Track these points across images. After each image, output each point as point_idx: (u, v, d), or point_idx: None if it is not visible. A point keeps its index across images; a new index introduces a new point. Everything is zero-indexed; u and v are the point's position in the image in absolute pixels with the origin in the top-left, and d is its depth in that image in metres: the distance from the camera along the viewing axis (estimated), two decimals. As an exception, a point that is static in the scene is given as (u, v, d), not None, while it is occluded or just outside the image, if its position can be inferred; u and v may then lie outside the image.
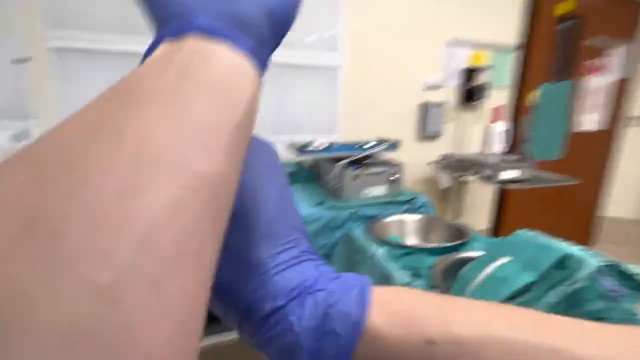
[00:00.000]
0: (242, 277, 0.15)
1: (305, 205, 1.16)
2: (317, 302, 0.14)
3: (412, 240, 1.09)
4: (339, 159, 1.22)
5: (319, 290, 0.15)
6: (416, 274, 0.82)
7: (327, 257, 1.13)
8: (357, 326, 0.14)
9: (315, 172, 1.49)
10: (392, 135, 1.40)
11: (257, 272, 0.15)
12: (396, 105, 1.80)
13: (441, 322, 0.14)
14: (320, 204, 1.16)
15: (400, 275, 0.82)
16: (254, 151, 0.17)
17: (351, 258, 1.07)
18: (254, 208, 0.16)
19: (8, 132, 1.32)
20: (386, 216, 1.16)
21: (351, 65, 1.68)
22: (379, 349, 0.14)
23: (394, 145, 1.34)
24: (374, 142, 1.32)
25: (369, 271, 0.94)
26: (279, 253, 0.16)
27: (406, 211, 1.21)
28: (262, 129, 1.62)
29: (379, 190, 1.24)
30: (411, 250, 0.93)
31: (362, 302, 0.14)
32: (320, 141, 1.37)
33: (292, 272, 0.15)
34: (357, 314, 0.14)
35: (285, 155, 1.53)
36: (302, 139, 1.50)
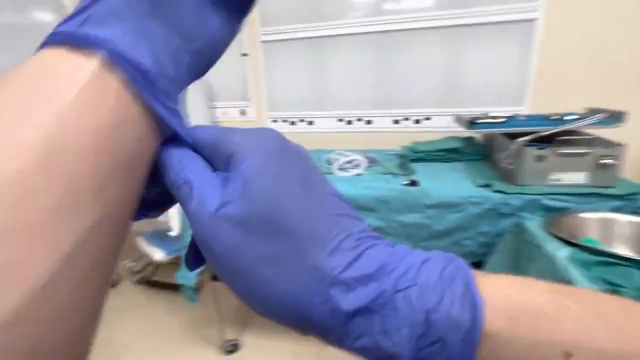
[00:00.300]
0: (306, 289, 0.13)
1: (468, 185, 1.04)
2: (412, 305, 0.12)
3: (619, 248, 0.80)
4: (520, 135, 1.02)
5: (408, 287, 0.12)
6: (616, 292, 0.61)
7: (489, 245, 1.00)
8: (471, 335, 0.11)
9: (487, 149, 1.30)
10: (610, 105, 1.02)
11: (319, 278, 0.13)
12: (628, 60, 1.28)
13: (579, 330, 0.11)
14: (486, 185, 1.02)
15: (588, 287, 0.63)
16: (254, 148, 0.14)
17: (520, 252, 0.90)
18: (281, 210, 0.13)
19: (237, 109, 1.84)
20: (582, 211, 0.89)
21: (555, 14, 1.30)
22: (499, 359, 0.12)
23: (614, 119, 0.98)
24: (578, 115, 1.01)
25: (541, 272, 0.78)
26: (333, 250, 0.13)
27: (617, 209, 0.89)
28: (427, 101, 1.54)
29: (576, 177, 0.96)
30: (616, 260, 0.69)
31: (472, 303, 0.12)
32: (500, 113, 1.17)
33: (359, 266, 0.13)
34: (469, 320, 0.12)
35: (452, 128, 1.41)
36: (476, 111, 1.33)
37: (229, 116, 1.86)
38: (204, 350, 1.35)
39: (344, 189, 1.09)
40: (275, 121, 1.81)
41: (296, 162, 0.15)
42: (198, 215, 0.14)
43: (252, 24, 1.70)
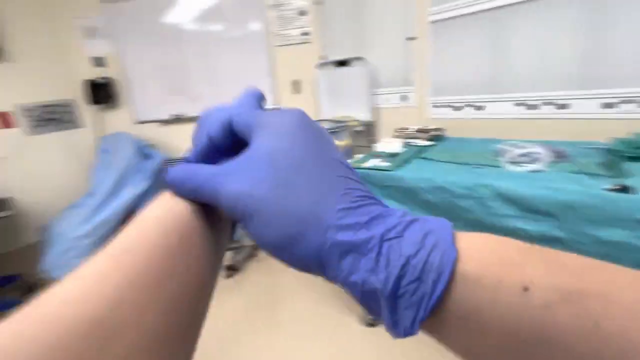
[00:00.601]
0: (308, 233, 0.16)
1: None
2: (395, 252, 0.14)
3: None
4: None
5: (394, 237, 0.15)
6: None
7: None
8: (442, 276, 0.13)
9: None
10: None
11: (319, 224, 0.15)
12: None
13: (542, 269, 0.13)
14: None
15: None
16: (272, 124, 0.18)
17: None
18: (292, 165, 0.17)
19: (398, 95, 1.83)
20: None
21: None
22: (466, 297, 0.13)
23: None
24: None
25: None
26: (336, 202, 0.16)
27: None
28: (629, 79, 1.06)
29: None
30: None
31: (447, 251, 0.14)
32: None
33: (354, 216, 0.15)
34: (441, 264, 0.14)
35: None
36: None
37: (390, 102, 1.89)
38: (348, 318, 1.49)
39: (512, 186, 0.92)
40: (438, 106, 1.70)
41: (305, 130, 0.18)
42: (229, 200, 0.17)
43: (422, 5, 1.62)
